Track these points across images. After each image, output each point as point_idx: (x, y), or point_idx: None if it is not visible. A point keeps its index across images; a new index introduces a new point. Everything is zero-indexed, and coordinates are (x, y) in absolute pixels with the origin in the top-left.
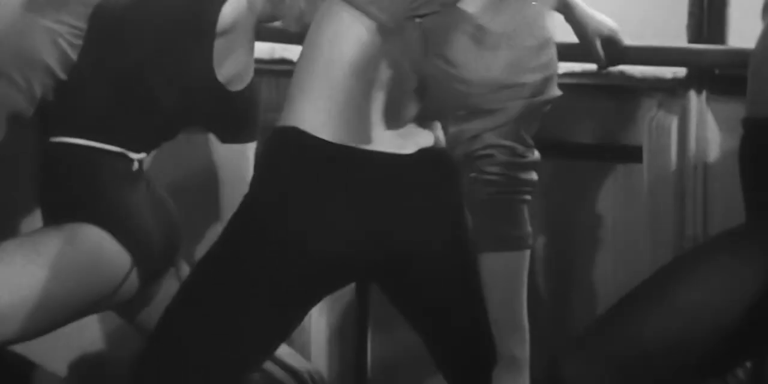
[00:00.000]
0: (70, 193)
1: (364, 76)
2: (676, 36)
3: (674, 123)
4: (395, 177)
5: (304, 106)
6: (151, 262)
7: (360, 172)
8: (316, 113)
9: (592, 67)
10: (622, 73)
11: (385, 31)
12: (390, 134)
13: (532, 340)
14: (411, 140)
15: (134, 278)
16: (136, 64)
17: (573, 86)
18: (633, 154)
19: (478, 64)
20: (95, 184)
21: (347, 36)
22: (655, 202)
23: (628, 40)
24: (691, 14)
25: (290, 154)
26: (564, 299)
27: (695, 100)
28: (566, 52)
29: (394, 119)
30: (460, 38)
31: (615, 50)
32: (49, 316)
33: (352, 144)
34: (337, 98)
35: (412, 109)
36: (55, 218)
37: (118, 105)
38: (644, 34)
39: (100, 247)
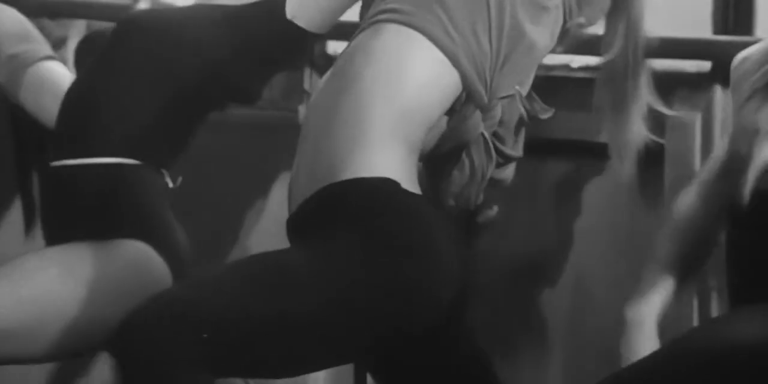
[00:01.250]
0: (113, 210)
1: (435, 124)
2: (700, 27)
3: (698, 121)
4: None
5: (385, 154)
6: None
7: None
8: (398, 163)
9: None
10: None
11: (468, 84)
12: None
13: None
14: None
15: None
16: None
17: (588, 81)
18: (652, 156)
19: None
20: (141, 201)
21: (438, 85)
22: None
23: (648, 31)
24: (717, 3)
25: (410, 209)
26: (580, 315)
27: (720, 96)
28: (580, 44)
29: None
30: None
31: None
32: (88, 334)
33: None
34: (412, 147)
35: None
36: (90, 235)
37: (158, 124)
38: (666, 24)
39: (147, 263)
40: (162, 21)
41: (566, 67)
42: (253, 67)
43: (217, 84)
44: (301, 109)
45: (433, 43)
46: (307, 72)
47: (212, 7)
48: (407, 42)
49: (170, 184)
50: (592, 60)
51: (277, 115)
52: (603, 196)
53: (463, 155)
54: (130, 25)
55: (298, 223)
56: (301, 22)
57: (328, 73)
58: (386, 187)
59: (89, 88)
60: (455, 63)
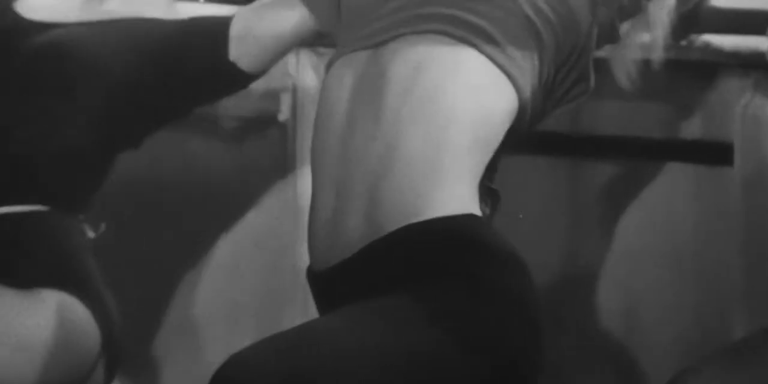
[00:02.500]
0: (28, 259)
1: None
2: None
3: None
4: None
5: (463, 187)
6: (114, 349)
7: None
8: (473, 196)
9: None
10: (706, 46)
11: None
12: None
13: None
14: None
15: (101, 370)
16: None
17: (643, 63)
18: (720, 153)
19: None
20: (55, 249)
21: (499, 107)
22: (749, 212)
23: (716, 1)
24: None
25: (506, 252)
26: (635, 327)
27: None
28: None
29: None
30: None
31: (696, 14)
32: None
33: None
34: (476, 173)
35: None
36: (9, 284)
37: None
38: None
39: (72, 317)
40: (69, 45)
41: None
42: (178, 99)
43: (131, 113)
44: (285, 101)
45: (490, 60)
46: (292, 51)
47: (153, 25)
48: (475, 59)
49: (89, 232)
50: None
51: (251, 109)
52: (658, 203)
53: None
54: (39, 51)
55: (355, 270)
56: (243, 65)
57: (353, 82)
58: (474, 224)
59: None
60: (523, 101)
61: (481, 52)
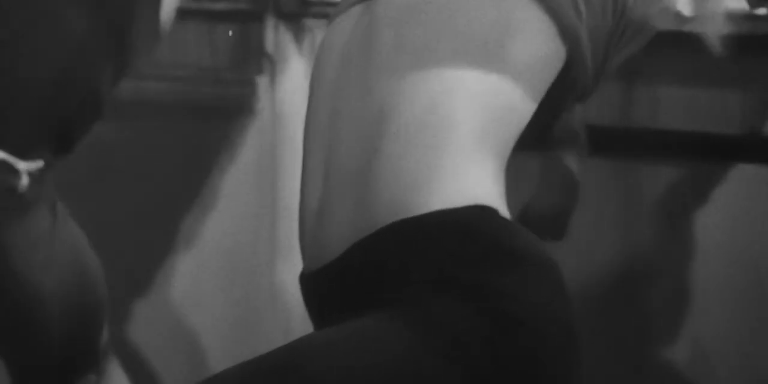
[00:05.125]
0: None
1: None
2: None
3: None
4: None
5: (475, 171)
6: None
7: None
8: (491, 182)
9: (739, 6)
10: None
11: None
12: None
13: None
14: None
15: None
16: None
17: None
18: None
19: None
20: None
21: (543, 70)
22: None
23: None
24: None
25: (529, 255)
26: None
27: None
28: None
29: None
30: None
31: None
32: None
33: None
34: (502, 159)
35: None
36: None
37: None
38: None
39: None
40: None
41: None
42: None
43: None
44: (261, 83)
45: (547, 13)
46: (270, 24)
47: None
48: (514, 5)
49: (22, 184)
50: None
51: (224, 93)
52: (727, 211)
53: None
54: None
55: (342, 275)
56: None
57: (351, 34)
58: (485, 219)
59: None
60: (574, 42)
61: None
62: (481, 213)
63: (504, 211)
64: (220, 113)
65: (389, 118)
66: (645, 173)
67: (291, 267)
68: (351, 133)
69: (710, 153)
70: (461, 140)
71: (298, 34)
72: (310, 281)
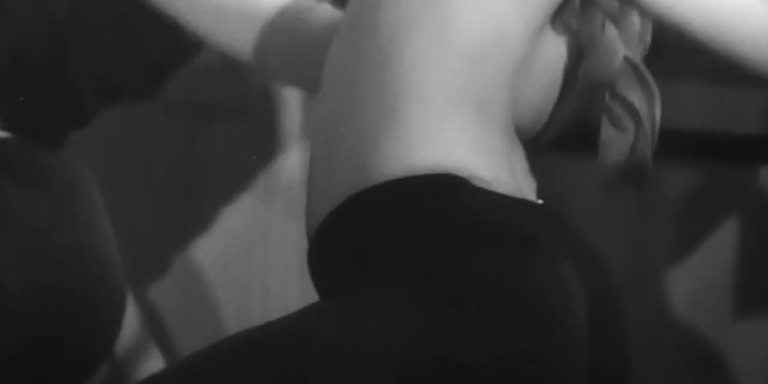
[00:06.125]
0: None
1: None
2: None
3: None
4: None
5: (443, 128)
6: None
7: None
8: (465, 142)
9: None
10: None
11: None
12: (526, 173)
13: None
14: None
15: None
16: None
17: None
18: None
19: None
20: None
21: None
22: None
23: None
24: None
25: (498, 232)
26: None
27: None
28: None
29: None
30: None
31: None
32: None
33: (523, 196)
34: (488, 110)
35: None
36: None
37: None
38: None
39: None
40: None
41: None
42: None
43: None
44: (255, 80)
45: None
46: None
47: None
48: None
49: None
50: None
51: (215, 91)
52: (744, 213)
53: (608, 102)
54: None
55: (317, 257)
56: None
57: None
58: (452, 190)
59: None
60: None
61: None
62: (445, 182)
63: (486, 175)
64: (211, 113)
65: (352, 87)
66: (662, 174)
67: (284, 270)
68: (324, 114)
69: (729, 154)
70: (424, 96)
71: None
72: (307, 260)
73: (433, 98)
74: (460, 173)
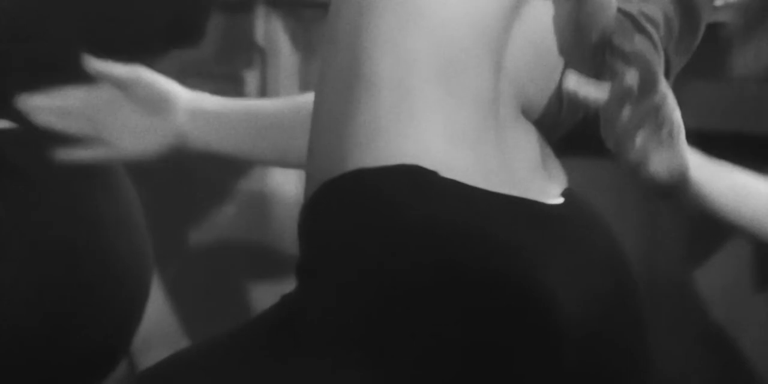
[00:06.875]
0: None
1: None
2: None
3: None
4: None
5: (412, 119)
6: None
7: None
8: (439, 132)
9: None
10: None
11: None
12: (534, 166)
13: None
14: (555, 177)
15: None
16: None
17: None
18: None
19: None
20: None
21: None
22: None
23: None
24: None
25: (425, 219)
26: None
27: None
28: None
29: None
30: None
31: None
32: None
33: (502, 190)
34: (466, 92)
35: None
36: None
37: None
38: None
39: None
40: None
41: None
42: None
43: None
44: (251, 82)
45: None
46: (260, 14)
47: None
48: None
49: None
50: None
51: (209, 89)
52: None
53: (609, 58)
54: None
55: (299, 239)
56: None
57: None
58: (415, 184)
59: None
60: None
61: None
62: (408, 174)
63: (457, 163)
64: None
65: (340, 79)
66: None
67: (281, 266)
68: (319, 103)
69: (752, 154)
70: (395, 84)
71: (292, 24)
72: None
73: (400, 81)
74: (422, 162)
